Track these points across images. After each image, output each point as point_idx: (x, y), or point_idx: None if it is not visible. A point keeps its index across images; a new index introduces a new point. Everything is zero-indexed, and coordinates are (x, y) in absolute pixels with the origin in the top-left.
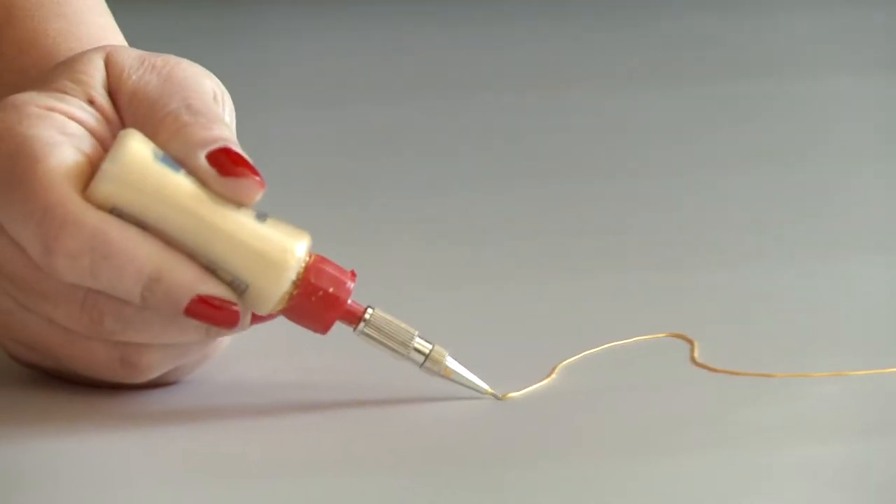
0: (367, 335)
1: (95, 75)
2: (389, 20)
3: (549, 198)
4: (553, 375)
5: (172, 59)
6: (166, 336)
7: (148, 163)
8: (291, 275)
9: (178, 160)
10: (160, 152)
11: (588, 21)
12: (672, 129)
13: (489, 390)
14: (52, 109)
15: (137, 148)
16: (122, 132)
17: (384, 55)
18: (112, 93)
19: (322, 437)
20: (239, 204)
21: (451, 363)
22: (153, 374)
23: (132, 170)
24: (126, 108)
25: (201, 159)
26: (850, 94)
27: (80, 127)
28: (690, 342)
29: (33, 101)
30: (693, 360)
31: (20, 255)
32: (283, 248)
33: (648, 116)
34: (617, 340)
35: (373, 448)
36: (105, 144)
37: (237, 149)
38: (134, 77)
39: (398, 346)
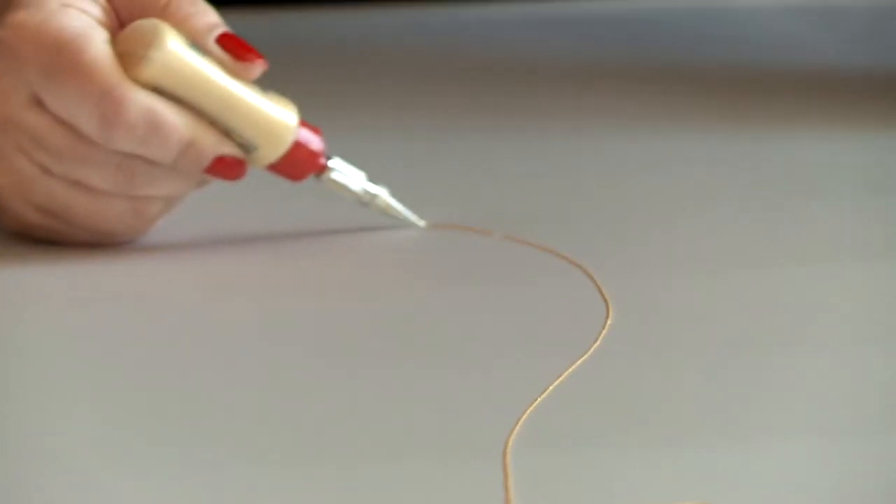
0: (332, 181)
1: None
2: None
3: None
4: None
5: None
6: (177, 189)
7: (183, 50)
8: (291, 138)
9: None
10: (186, 39)
11: None
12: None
13: (416, 220)
14: (67, 5)
15: (173, 37)
16: (152, 22)
17: None
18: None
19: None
20: (246, 80)
21: (392, 200)
22: (154, 223)
23: (173, 56)
24: (120, 6)
25: (212, 44)
26: None
27: (92, 20)
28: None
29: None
30: None
31: (63, 129)
32: (285, 116)
33: None
34: None
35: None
36: (112, 34)
37: (234, 34)
38: None
39: (354, 189)
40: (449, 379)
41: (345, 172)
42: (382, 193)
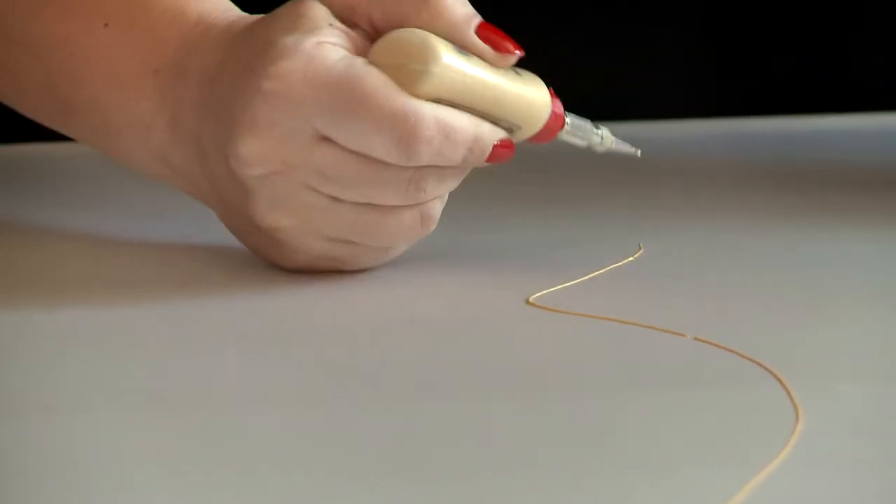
0: (570, 133)
1: (321, 9)
2: None
3: None
4: None
5: None
6: (456, 182)
7: (455, 59)
8: (548, 112)
9: (449, 37)
10: (453, 46)
11: None
12: None
13: (637, 152)
14: (321, 42)
15: (442, 47)
16: (416, 33)
17: None
18: (342, 13)
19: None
20: (505, 67)
21: (613, 138)
22: (436, 223)
23: (447, 66)
24: (368, 10)
25: (474, 37)
26: None
27: (345, 50)
28: None
29: (302, 41)
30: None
31: (354, 157)
32: (542, 95)
33: None
34: None
35: None
36: (360, 53)
37: (489, 23)
38: None
39: (587, 140)
40: (631, 483)
41: (577, 124)
42: (606, 132)
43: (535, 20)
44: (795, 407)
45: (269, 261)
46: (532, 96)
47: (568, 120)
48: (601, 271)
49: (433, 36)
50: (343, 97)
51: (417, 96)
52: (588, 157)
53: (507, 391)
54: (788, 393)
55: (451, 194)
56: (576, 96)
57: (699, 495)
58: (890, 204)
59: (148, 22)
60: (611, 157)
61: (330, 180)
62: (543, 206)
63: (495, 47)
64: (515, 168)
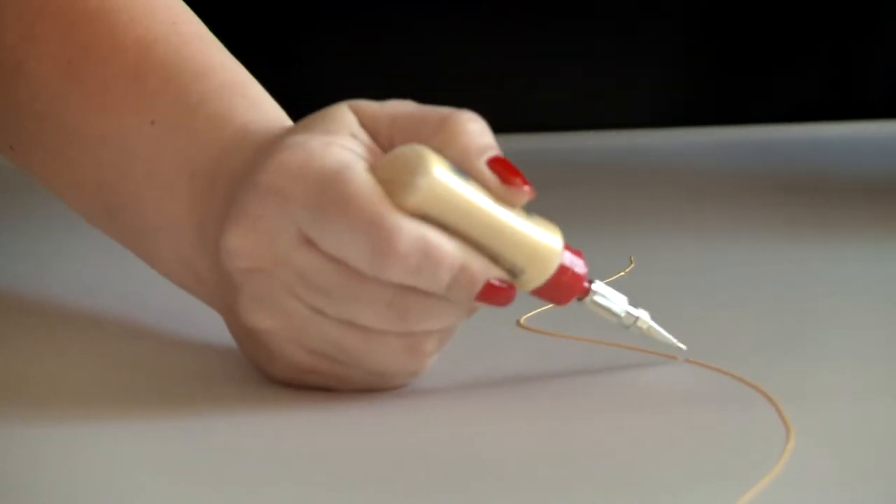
0: (595, 304)
1: (349, 117)
2: None
3: None
4: None
5: (403, 100)
6: (449, 319)
7: (447, 176)
8: (557, 261)
9: (458, 163)
10: (450, 164)
11: None
12: None
13: (678, 344)
14: (330, 143)
15: (437, 163)
16: (414, 148)
17: None
18: (368, 127)
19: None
20: (513, 205)
21: (654, 324)
22: (431, 360)
23: (438, 183)
24: (391, 131)
25: (483, 165)
26: None
27: (355, 154)
28: None
29: (312, 139)
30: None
31: (334, 266)
32: (551, 241)
33: None
34: None
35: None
36: (374, 167)
37: (506, 159)
38: (388, 108)
39: (615, 314)
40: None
41: (607, 296)
42: (644, 316)
43: (524, 29)
44: (787, 426)
45: (261, 371)
46: (538, 238)
47: (595, 287)
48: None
49: (431, 151)
50: (326, 196)
51: (404, 209)
52: (577, 170)
53: (498, 412)
54: (779, 412)
55: None
56: (573, 104)
57: None
58: (884, 217)
59: (193, 124)
60: (601, 168)
61: (312, 289)
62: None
63: (503, 179)
64: None
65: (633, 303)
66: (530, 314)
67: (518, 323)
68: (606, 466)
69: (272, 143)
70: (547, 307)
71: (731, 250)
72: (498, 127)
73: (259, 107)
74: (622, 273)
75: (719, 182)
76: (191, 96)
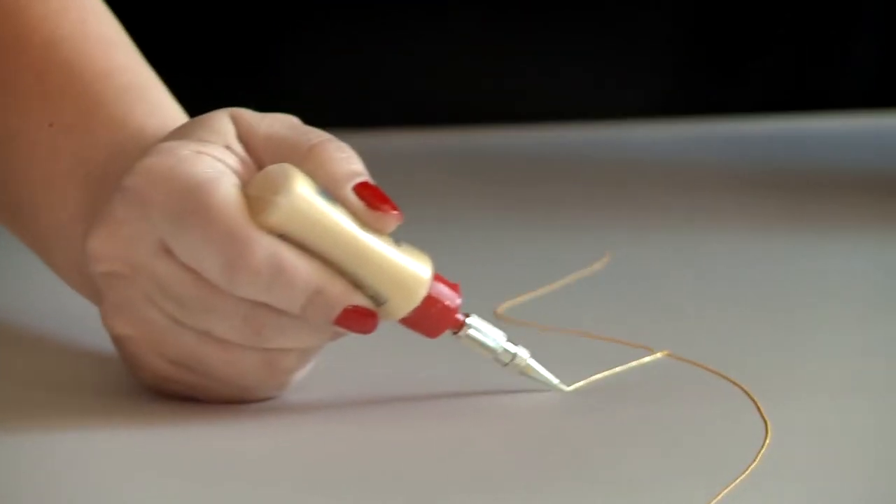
0: (469, 338)
1: (227, 127)
2: None
3: None
4: None
5: (286, 114)
6: (308, 340)
7: (312, 198)
8: (424, 292)
9: (326, 188)
10: (316, 185)
11: None
12: None
13: (559, 384)
14: (200, 152)
15: (302, 185)
16: (282, 167)
17: None
18: (245, 141)
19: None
20: (380, 232)
21: (532, 361)
22: (290, 376)
23: (300, 203)
24: (264, 150)
25: (349, 192)
26: None
27: (225, 166)
28: None
29: (183, 147)
30: None
31: (191, 276)
32: (417, 270)
33: None
34: None
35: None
36: (245, 182)
37: (375, 184)
38: (264, 124)
39: (492, 348)
40: (603, 499)
41: (483, 330)
42: (522, 354)
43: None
44: (764, 421)
45: (132, 377)
46: (404, 266)
47: (470, 321)
48: (568, 279)
49: (299, 172)
50: (186, 205)
51: (265, 227)
52: (558, 163)
53: (472, 404)
54: (757, 407)
55: (420, 194)
56: (563, 98)
57: None
58: (867, 212)
59: (90, 126)
60: (586, 164)
61: (170, 298)
62: (510, 213)
63: (369, 205)
64: (479, 174)
65: (513, 339)
66: (507, 304)
67: (495, 313)
68: (581, 462)
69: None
70: (527, 296)
71: (713, 245)
72: (471, 119)
73: (158, 110)
74: (596, 266)
75: (702, 174)
76: (89, 97)
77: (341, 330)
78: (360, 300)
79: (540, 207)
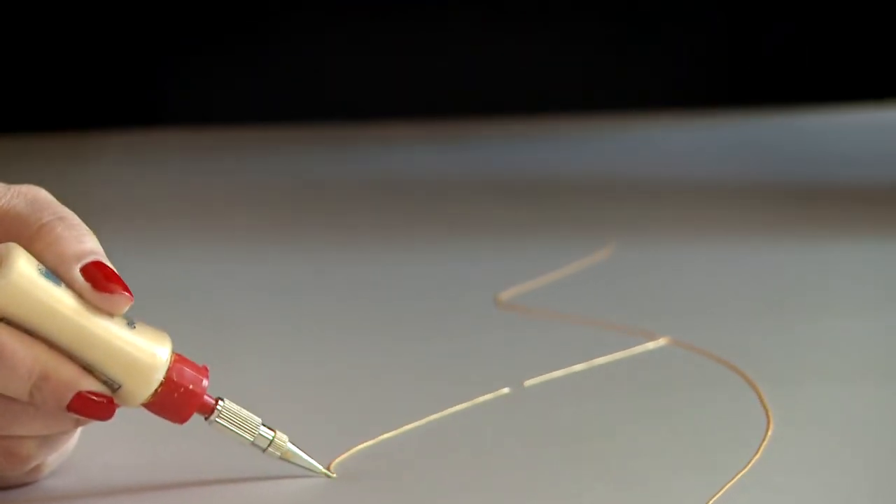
0: (219, 424)
1: None
2: None
3: None
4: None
5: (33, 186)
6: (45, 427)
7: (33, 278)
8: (159, 376)
9: (53, 271)
10: (42, 267)
11: None
12: None
13: (323, 470)
14: None
15: (23, 265)
16: (6, 246)
17: None
18: None
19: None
20: (110, 314)
21: (291, 447)
22: (32, 463)
23: (20, 285)
24: None
25: (76, 273)
26: None
27: None
28: None
29: None
30: None
31: None
32: (151, 353)
33: None
34: None
35: None
36: None
37: (107, 262)
38: (3, 200)
39: (245, 434)
40: (604, 492)
41: (236, 416)
42: (281, 439)
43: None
44: (766, 410)
45: None
46: (135, 350)
47: (221, 406)
48: (571, 267)
49: (23, 252)
50: None
51: None
52: (558, 151)
53: (477, 389)
54: (759, 396)
55: (414, 185)
56: (567, 89)
57: (671, 500)
58: (867, 209)
59: None
60: (592, 154)
61: None
62: (512, 203)
63: (96, 286)
64: (479, 165)
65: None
66: (509, 292)
67: (498, 301)
68: (584, 449)
69: None
70: (527, 285)
71: (719, 236)
72: (487, 110)
73: None
74: (599, 255)
75: (707, 168)
76: None
77: (83, 418)
78: (92, 385)
79: (543, 197)
